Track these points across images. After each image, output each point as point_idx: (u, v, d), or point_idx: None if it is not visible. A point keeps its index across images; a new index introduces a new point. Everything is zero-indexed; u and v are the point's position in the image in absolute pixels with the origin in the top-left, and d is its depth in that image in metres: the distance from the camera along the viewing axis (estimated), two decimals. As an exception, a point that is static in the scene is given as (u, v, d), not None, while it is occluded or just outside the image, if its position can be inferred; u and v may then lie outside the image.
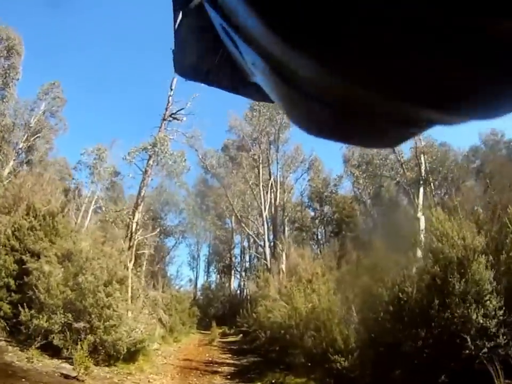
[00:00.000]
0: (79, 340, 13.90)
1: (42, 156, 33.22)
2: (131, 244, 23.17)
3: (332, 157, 71.31)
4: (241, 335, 28.57)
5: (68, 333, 14.05)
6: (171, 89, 25.45)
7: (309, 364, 12.73)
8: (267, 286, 23.88)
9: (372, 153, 32.50)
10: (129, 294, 20.20)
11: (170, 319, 26.28)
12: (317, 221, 42.81)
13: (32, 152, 32.30)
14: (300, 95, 0.49)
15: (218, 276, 55.64)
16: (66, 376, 11.97)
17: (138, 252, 26.31)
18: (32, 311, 14.78)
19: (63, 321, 14.49)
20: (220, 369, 17.40)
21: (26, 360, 12.91)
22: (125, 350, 14.95)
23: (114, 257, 19.02)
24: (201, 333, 32.50)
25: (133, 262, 22.46)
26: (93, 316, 14.83)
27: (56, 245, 17.22)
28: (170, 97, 25.33)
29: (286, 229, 38.12)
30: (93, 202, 26.70)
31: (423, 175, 27.10)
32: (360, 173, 34.16)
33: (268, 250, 32.63)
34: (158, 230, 28.82)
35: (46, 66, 70.83)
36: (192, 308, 33.97)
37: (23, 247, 16.75)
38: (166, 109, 25.14)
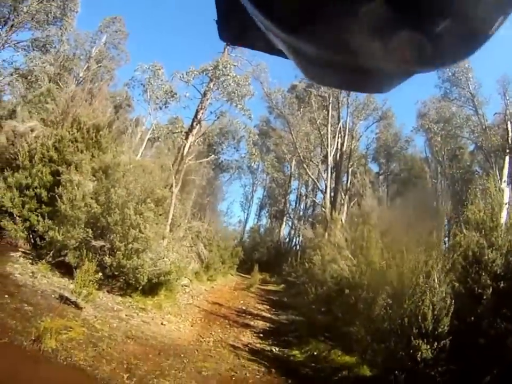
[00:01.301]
0: (95, 260, 11.95)
1: (103, 85, 31.11)
2: (180, 168, 21.37)
3: (404, 112, 65.75)
4: (283, 285, 26.36)
5: (85, 251, 12.36)
6: None
7: (370, 342, 9.53)
8: (328, 233, 20.86)
9: (451, 111, 31.04)
10: (169, 220, 19.03)
11: (210, 254, 24.19)
12: (381, 178, 40.11)
13: (93, 81, 31.01)
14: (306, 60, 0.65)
15: (269, 221, 53.83)
16: (64, 300, 9.96)
17: (187, 178, 24.28)
18: (49, 222, 13.54)
19: (81, 237, 12.94)
20: (252, 323, 14.68)
21: (30, 274, 11.48)
22: (145, 281, 12.93)
23: (155, 174, 17.02)
24: (241, 275, 30.73)
25: (179, 187, 20.69)
26: (115, 235, 13.05)
27: (96, 158, 16.12)
28: None
29: (350, 179, 34.90)
30: (149, 131, 24.34)
31: (510, 143, 25.04)
32: (438, 129, 31.72)
33: (328, 198, 30.22)
34: (212, 156, 26.29)
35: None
36: (236, 248, 32.39)
37: (61, 159, 15.85)
38: None
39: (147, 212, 13.87)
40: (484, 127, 28.16)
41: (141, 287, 13.04)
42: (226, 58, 22.64)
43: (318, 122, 33.50)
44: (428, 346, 7.54)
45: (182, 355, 9.21)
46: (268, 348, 11.58)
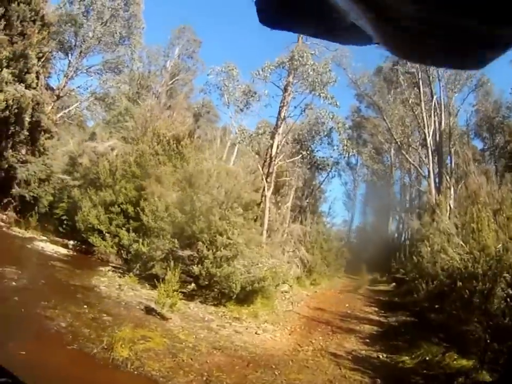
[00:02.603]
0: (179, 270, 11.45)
1: (180, 97, 32.23)
2: (270, 171, 20.64)
3: (500, 75, 60.04)
4: (394, 284, 24.63)
5: (172, 261, 11.84)
6: None
7: (489, 341, 8.03)
8: (436, 221, 19.12)
9: None
10: (265, 225, 18.69)
11: (312, 258, 23.18)
12: (486, 154, 36.15)
13: (172, 96, 32.86)
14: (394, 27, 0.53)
15: (374, 217, 51.86)
16: (149, 311, 9.91)
17: (279, 180, 23.81)
18: (134, 235, 13.90)
19: (168, 248, 12.76)
20: (357, 328, 13.38)
21: (116, 287, 11.55)
22: (238, 289, 12.36)
23: (240, 178, 16.36)
24: (349, 277, 29.71)
25: (271, 190, 20.21)
26: (202, 243, 12.58)
27: (179, 169, 16.07)
28: None
29: (453, 160, 31.64)
30: (236, 136, 24.00)
31: None
32: None
33: (432, 184, 28.46)
34: (303, 153, 25.23)
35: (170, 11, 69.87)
36: (341, 249, 31.29)
37: (144, 173, 16.14)
38: None
39: (234, 217, 13.27)
40: None
41: (235, 296, 12.47)
42: (301, 47, 21.47)
43: (410, 101, 31.72)
44: None
45: (274, 366, 8.27)
46: (374, 355, 10.28)
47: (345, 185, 51.94)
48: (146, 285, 12.06)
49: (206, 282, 12.38)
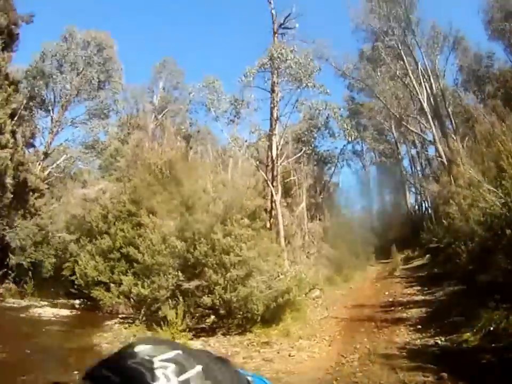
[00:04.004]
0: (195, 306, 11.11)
1: (167, 124, 31.11)
2: (274, 174, 19.57)
3: (473, 31, 59.19)
4: (428, 255, 23.11)
5: (181, 297, 10.96)
6: (270, 2, 23.08)
7: None
8: (454, 178, 17.95)
9: None
10: (282, 231, 17.30)
11: (337, 253, 22.22)
12: (481, 106, 35.19)
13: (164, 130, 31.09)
14: None
15: (392, 196, 51.20)
16: None
17: (286, 182, 23.07)
18: (131, 278, 12.88)
19: (172, 283, 11.56)
20: (404, 315, 11.78)
21: (122, 341, 10.51)
22: (261, 309, 11.00)
23: (240, 186, 15.52)
24: (381, 262, 28.16)
25: (280, 193, 19.07)
26: (208, 269, 11.33)
27: (175, 194, 15.06)
28: (272, 11, 22.94)
29: (453, 120, 32.02)
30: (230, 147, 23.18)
31: None
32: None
33: (439, 146, 27.95)
34: (306, 149, 24.09)
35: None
36: (366, 235, 30.92)
37: (140, 208, 15.32)
38: (273, 22, 22.76)
39: (239, 230, 12.04)
40: None
41: (259, 318, 11.13)
42: (279, 45, 20.94)
43: (398, 73, 31.52)
44: None
45: (314, 395, 6.76)
46: (431, 342, 8.73)
47: (357, 173, 51.68)
48: (159, 330, 10.52)
49: (225, 311, 11.16)
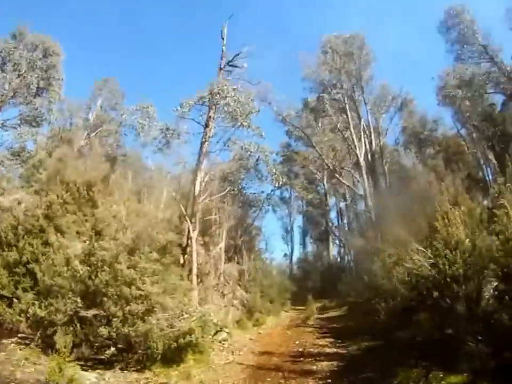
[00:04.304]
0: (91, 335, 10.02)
1: (94, 142, 30.57)
2: (194, 210, 19.11)
3: (423, 95, 62.37)
4: (345, 307, 23.45)
5: (78, 324, 10.01)
6: (223, 39, 23.29)
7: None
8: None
9: (470, 71, 29.26)
10: (194, 269, 17.03)
11: (251, 296, 21.73)
12: (420, 166, 36.47)
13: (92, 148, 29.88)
14: None
15: (315, 246, 52.08)
16: None
17: (206, 219, 22.25)
18: (30, 297, 11.49)
19: (70, 309, 10.36)
20: (314, 367, 10.97)
21: (14, 363, 9.08)
22: (160, 348, 10.04)
23: (152, 217, 14.30)
24: (296, 309, 28.08)
25: (197, 231, 18.59)
26: (107, 299, 10.41)
27: (89, 217, 14.29)
28: (223, 47, 23.14)
29: (387, 178, 32.80)
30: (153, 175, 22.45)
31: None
32: (464, 93, 29.59)
33: (369, 203, 28.55)
34: (232, 189, 23.68)
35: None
36: (284, 282, 30.89)
37: (51, 225, 14.10)
38: (222, 58, 22.73)
39: (145, 263, 11.24)
40: (507, 74, 27.03)
41: (159, 356, 10.11)
42: (222, 82, 20.76)
43: (338, 126, 32.13)
44: None
45: None
46: (342, 398, 8.05)
47: (282, 219, 51.81)
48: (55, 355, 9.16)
49: (125, 345, 10.14)
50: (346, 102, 31.33)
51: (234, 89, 20.14)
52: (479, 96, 30.04)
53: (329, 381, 9.45)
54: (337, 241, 46.22)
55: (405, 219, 13.51)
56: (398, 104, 35.14)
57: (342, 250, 44.85)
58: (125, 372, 9.71)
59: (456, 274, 7.54)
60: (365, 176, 29.48)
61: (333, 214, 47.93)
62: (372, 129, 31.82)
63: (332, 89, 31.32)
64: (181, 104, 19.86)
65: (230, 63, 22.32)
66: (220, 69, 22.15)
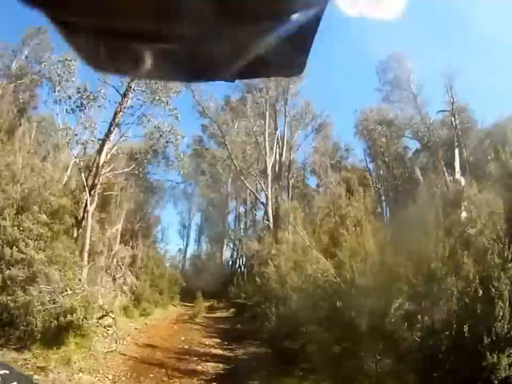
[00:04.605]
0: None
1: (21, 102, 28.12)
2: (95, 182, 17.93)
3: (342, 123, 64.69)
4: (233, 309, 23.27)
5: None
6: None
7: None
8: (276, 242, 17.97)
9: (393, 113, 31.52)
10: (87, 246, 15.79)
11: (141, 284, 20.95)
12: (320, 189, 37.56)
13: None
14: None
15: (209, 245, 52.18)
16: None
17: (106, 195, 21.21)
18: None
19: None
20: (199, 368, 10.64)
21: None
22: (39, 325, 9.19)
23: (49, 178, 13.16)
24: (185, 305, 27.72)
25: (94, 204, 17.61)
26: None
27: None
28: None
29: (290, 191, 33.65)
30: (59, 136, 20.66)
31: (457, 135, 26.47)
32: (383, 130, 31.60)
33: (270, 209, 28.83)
34: (137, 168, 22.68)
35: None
36: (176, 275, 30.65)
37: None
38: None
39: (31, 224, 10.39)
40: (428, 125, 28.54)
41: (39, 336, 9.26)
42: None
43: (254, 129, 31.95)
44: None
45: None
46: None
47: (181, 214, 51.57)
48: None
49: (7, 318, 9.19)
50: (267, 108, 31.67)
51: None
52: (396, 136, 31.91)
53: (214, 384, 9.17)
54: (231, 244, 46.43)
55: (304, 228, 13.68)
56: (316, 125, 36.20)
57: (235, 253, 44.95)
58: (4, 349, 8.90)
59: (363, 287, 7.52)
60: (270, 184, 29.88)
61: (231, 217, 48.32)
62: (285, 141, 32.61)
63: (257, 92, 31.56)
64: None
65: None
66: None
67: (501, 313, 5.21)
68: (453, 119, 26.74)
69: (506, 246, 5.84)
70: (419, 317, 6.23)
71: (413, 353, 6.05)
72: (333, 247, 9.89)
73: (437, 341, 5.70)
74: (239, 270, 39.06)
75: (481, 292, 5.57)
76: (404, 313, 6.68)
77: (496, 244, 5.97)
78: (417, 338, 6.10)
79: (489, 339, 5.10)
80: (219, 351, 13.00)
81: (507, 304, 5.26)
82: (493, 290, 5.37)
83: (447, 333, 5.65)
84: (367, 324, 6.93)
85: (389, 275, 7.25)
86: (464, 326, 5.25)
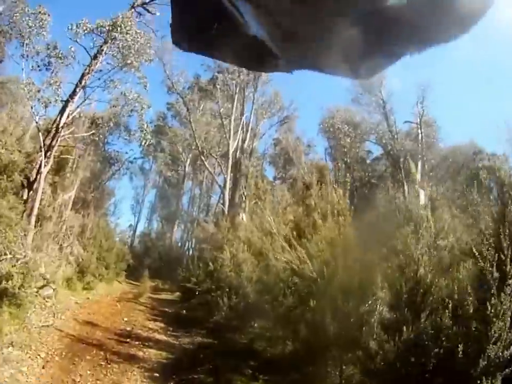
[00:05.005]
0: None
1: None
2: (52, 144, 17.07)
3: (308, 118, 64.63)
4: (179, 293, 22.69)
5: None
6: None
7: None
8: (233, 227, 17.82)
9: (360, 116, 32.13)
10: (35, 209, 15.28)
11: (87, 255, 20.10)
12: (277, 181, 38.35)
13: None
14: None
15: (160, 224, 51.47)
16: None
17: (62, 159, 20.12)
18: None
19: None
20: (141, 354, 9.91)
21: None
22: None
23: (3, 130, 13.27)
24: (130, 283, 27.20)
25: (49, 166, 16.74)
26: None
27: None
28: None
29: (249, 177, 32.70)
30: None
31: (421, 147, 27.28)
32: (348, 131, 32.13)
33: (227, 194, 29.59)
34: (96, 133, 21.57)
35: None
36: (124, 250, 29.42)
37: None
38: None
39: None
40: (394, 133, 28.80)
41: None
42: (129, 18, 18.96)
43: (221, 111, 32.25)
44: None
45: None
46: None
47: (135, 189, 50.80)
48: None
49: None
50: (237, 92, 31.71)
51: (137, 32, 18.88)
52: (360, 140, 32.67)
53: (157, 374, 8.47)
54: (182, 226, 46.71)
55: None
56: (282, 117, 35.95)
57: (186, 235, 45.44)
58: None
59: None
60: (229, 168, 30.20)
61: (185, 199, 48.11)
62: (250, 128, 32.52)
63: (228, 73, 31.27)
64: (77, 24, 18.18)
65: (144, 4, 20.88)
66: (132, 6, 20.40)
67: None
68: (419, 131, 27.39)
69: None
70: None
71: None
72: (298, 238, 9.26)
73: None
74: (188, 252, 39.38)
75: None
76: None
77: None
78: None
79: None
80: (163, 337, 12.26)
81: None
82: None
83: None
84: (333, 326, 6.40)
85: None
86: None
